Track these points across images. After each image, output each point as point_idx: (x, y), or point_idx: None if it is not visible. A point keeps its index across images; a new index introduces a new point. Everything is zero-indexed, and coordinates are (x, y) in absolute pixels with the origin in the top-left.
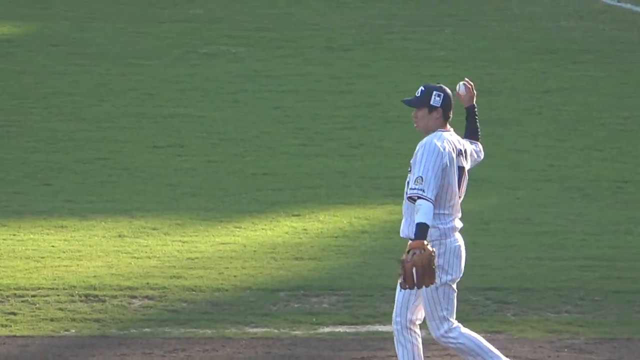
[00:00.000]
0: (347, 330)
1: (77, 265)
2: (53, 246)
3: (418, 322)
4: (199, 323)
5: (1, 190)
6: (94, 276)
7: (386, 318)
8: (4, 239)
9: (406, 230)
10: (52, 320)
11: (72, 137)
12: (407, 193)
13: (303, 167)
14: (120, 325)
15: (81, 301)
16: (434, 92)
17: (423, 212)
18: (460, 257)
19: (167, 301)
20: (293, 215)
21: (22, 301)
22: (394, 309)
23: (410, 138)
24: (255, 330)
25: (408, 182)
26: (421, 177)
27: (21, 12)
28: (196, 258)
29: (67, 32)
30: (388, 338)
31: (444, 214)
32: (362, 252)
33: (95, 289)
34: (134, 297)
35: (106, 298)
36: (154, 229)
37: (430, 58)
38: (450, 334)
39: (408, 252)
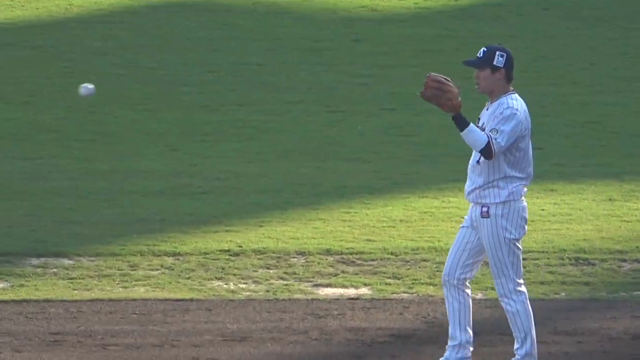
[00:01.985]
0: None
1: (567, 228)
2: (543, 209)
3: (468, 282)
4: None
5: None
6: (584, 239)
7: None
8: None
9: (468, 189)
10: (542, 283)
11: (563, 101)
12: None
13: None
14: (609, 288)
15: (571, 264)
16: (497, 52)
17: (478, 134)
18: (524, 218)
19: None
20: None
21: None
22: (445, 267)
23: None
24: None
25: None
26: (496, 130)
27: None
28: None
29: None
30: None
31: (518, 177)
32: None
33: (585, 252)
34: (624, 260)
35: (596, 261)
36: None
37: None
38: (514, 295)
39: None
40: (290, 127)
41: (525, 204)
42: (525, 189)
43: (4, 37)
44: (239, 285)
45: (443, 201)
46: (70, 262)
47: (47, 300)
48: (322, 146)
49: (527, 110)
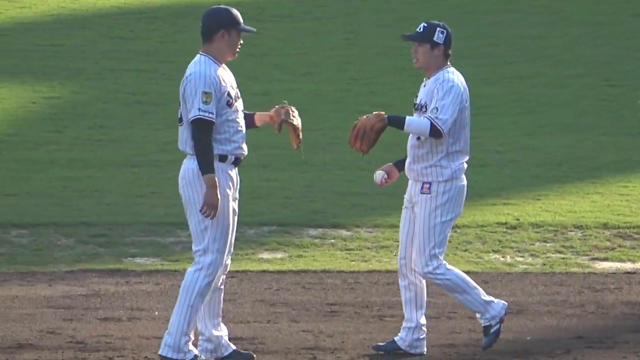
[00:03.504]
0: None
1: None
2: None
3: None
4: None
5: None
6: None
7: None
8: None
9: (409, 166)
10: None
11: None
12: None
13: None
14: None
15: None
16: (437, 29)
17: (418, 123)
18: (463, 197)
19: None
20: None
21: None
22: (399, 251)
23: None
24: None
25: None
26: (436, 108)
27: None
28: None
29: None
30: None
31: (459, 152)
32: None
33: None
34: None
35: None
36: None
37: None
38: (438, 270)
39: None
40: (570, 101)
41: (465, 182)
42: (466, 166)
43: (284, 9)
44: (516, 258)
45: None
46: (349, 233)
47: (324, 271)
48: (601, 120)
49: (464, 82)
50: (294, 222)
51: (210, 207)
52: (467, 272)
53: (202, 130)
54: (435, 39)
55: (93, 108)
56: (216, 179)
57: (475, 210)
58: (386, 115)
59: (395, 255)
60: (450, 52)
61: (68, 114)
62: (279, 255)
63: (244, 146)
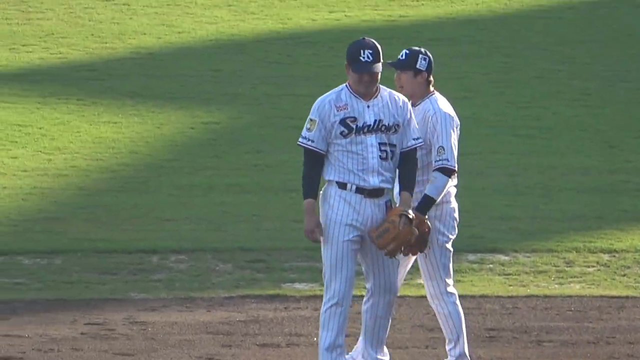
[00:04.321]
0: None
1: None
2: None
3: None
4: None
5: None
6: None
7: None
8: None
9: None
10: None
11: None
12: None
13: None
14: None
15: None
16: (420, 56)
17: (438, 185)
18: (456, 218)
19: None
20: None
21: None
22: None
23: None
24: None
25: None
26: (442, 148)
27: None
28: None
29: None
30: None
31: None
32: None
33: None
34: None
35: None
36: None
37: None
38: (445, 297)
39: (406, 218)
40: None
41: (456, 204)
42: (455, 190)
43: (443, 32)
44: None
45: None
46: (507, 257)
47: (483, 296)
48: None
49: (450, 107)
50: (453, 247)
51: (306, 232)
52: (626, 297)
53: (305, 155)
54: (418, 66)
55: (250, 133)
56: (323, 204)
57: (633, 235)
58: (414, 213)
59: (553, 280)
60: (431, 78)
61: (226, 139)
62: None
63: (367, 177)
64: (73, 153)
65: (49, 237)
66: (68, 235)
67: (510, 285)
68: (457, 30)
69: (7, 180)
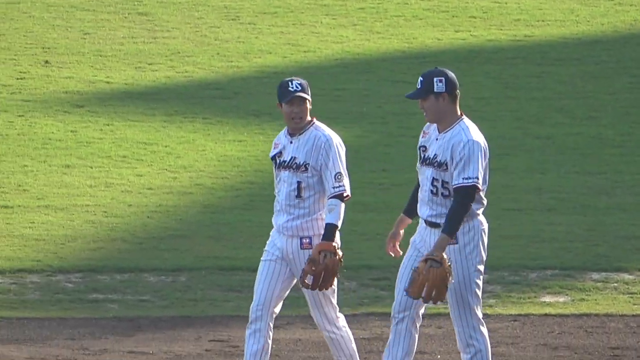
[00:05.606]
0: None
1: None
2: None
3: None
4: None
5: None
6: None
7: None
8: None
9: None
10: None
11: None
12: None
13: None
14: None
15: None
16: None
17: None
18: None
19: None
20: None
21: None
22: (258, 301)
23: None
24: None
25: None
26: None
27: None
28: None
29: None
30: None
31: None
32: None
33: None
34: None
35: None
36: None
37: None
38: (337, 323)
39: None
40: None
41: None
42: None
43: (571, 52)
44: None
45: None
46: (631, 277)
47: (607, 315)
48: None
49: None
50: (576, 265)
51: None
52: None
53: None
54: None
55: (375, 152)
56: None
57: None
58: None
59: None
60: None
61: (351, 158)
62: (561, 299)
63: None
64: (198, 171)
65: (174, 254)
66: (193, 252)
67: (634, 304)
68: (583, 50)
69: (133, 197)
